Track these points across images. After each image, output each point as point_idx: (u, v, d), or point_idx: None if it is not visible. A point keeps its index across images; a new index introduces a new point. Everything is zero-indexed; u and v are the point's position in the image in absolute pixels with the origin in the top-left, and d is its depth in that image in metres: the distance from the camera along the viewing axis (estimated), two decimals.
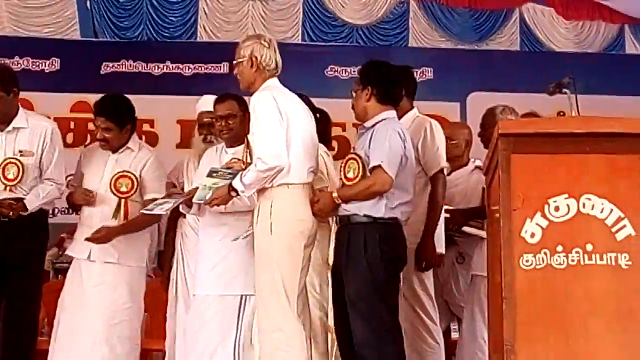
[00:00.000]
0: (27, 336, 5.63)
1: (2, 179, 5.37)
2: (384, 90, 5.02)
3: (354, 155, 4.95)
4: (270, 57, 4.99)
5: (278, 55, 5.03)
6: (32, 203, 5.35)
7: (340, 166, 4.97)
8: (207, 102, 5.77)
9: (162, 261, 6.02)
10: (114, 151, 5.60)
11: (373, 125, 4.88)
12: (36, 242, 5.65)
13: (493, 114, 5.60)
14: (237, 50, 5.00)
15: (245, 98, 5.32)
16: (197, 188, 5.09)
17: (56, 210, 6.01)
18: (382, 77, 5.07)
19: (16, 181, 5.35)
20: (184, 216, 5.54)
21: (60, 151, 5.64)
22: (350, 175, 4.94)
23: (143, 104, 6.55)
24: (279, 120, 4.83)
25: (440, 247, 5.15)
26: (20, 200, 5.30)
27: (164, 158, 6.17)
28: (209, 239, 5.35)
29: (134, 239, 5.64)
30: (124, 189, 5.57)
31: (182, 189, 5.76)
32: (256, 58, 4.93)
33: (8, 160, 5.41)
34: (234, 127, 5.45)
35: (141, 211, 5.29)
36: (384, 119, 4.91)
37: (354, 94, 4.98)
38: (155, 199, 5.44)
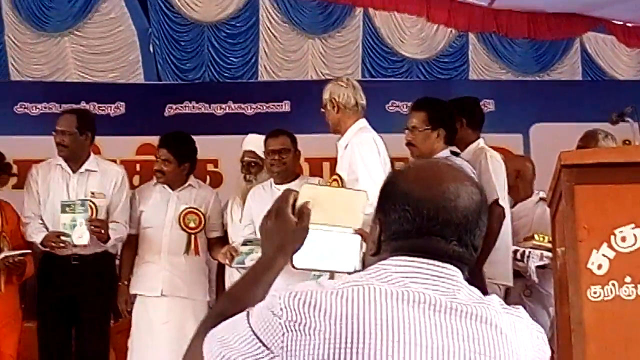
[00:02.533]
0: None
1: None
2: (453, 133, 5.08)
3: (336, 177, 5.10)
4: (348, 96, 5.11)
5: (359, 93, 5.13)
6: (111, 236, 5.49)
7: None
8: (249, 142, 5.88)
9: (217, 299, 6.04)
10: (174, 188, 5.71)
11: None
12: (105, 283, 5.76)
13: (595, 138, 5.53)
14: (327, 89, 5.16)
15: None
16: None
17: None
18: (453, 121, 5.14)
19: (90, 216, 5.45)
20: None
21: (127, 195, 5.77)
22: None
23: (206, 145, 6.65)
24: (381, 163, 4.95)
25: (508, 280, 5.13)
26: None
27: (228, 197, 6.27)
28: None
29: (200, 272, 5.75)
30: (192, 224, 5.68)
31: (226, 230, 5.84)
32: (335, 99, 5.07)
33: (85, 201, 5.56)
34: (287, 162, 5.56)
35: (233, 265, 5.40)
36: (447, 157, 4.96)
37: (414, 131, 5.03)
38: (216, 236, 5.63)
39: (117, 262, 5.84)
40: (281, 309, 1.58)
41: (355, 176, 4.99)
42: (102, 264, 5.59)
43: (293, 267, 1.87)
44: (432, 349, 1.54)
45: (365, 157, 5.00)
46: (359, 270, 1.88)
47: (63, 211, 5.38)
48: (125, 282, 5.69)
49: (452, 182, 1.68)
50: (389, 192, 1.72)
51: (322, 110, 5.26)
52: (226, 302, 1.80)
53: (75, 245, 5.38)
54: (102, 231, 5.44)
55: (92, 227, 5.36)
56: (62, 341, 5.61)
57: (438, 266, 1.65)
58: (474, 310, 1.61)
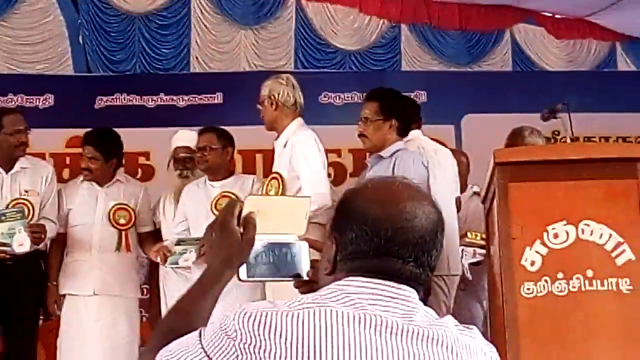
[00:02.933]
0: None
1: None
2: (407, 124, 5.09)
3: (276, 175, 5.11)
4: (288, 94, 5.12)
5: (298, 92, 5.15)
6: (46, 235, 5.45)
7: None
8: (181, 137, 5.87)
9: (151, 297, 6.00)
10: (102, 184, 5.67)
11: (392, 155, 4.94)
12: (36, 281, 5.69)
13: (522, 135, 5.59)
14: (265, 86, 5.14)
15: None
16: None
17: None
18: (405, 111, 5.14)
19: (28, 220, 5.39)
20: None
21: (56, 192, 5.73)
22: (272, 193, 5.07)
23: (138, 137, 6.61)
24: (323, 160, 4.97)
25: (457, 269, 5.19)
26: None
27: (159, 190, 6.24)
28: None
29: (131, 269, 5.73)
30: (122, 221, 5.66)
31: (159, 229, 5.83)
32: (274, 96, 5.06)
33: (16, 201, 5.46)
34: (209, 159, 5.57)
35: (167, 265, 5.38)
36: (400, 149, 4.97)
37: (366, 122, 5.04)
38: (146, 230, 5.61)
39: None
40: (235, 331, 1.57)
41: (296, 174, 5.01)
42: (32, 263, 5.52)
43: (239, 279, 1.87)
44: None
45: (308, 155, 5.03)
46: (308, 277, 1.92)
47: (1, 220, 5.30)
48: (54, 283, 5.61)
49: (409, 201, 1.68)
50: (345, 211, 1.72)
51: (259, 105, 5.24)
52: (174, 316, 1.79)
53: (14, 253, 5.29)
54: (43, 236, 5.39)
55: (32, 233, 5.30)
56: None
57: (394, 287, 1.64)
58: (430, 332, 1.60)
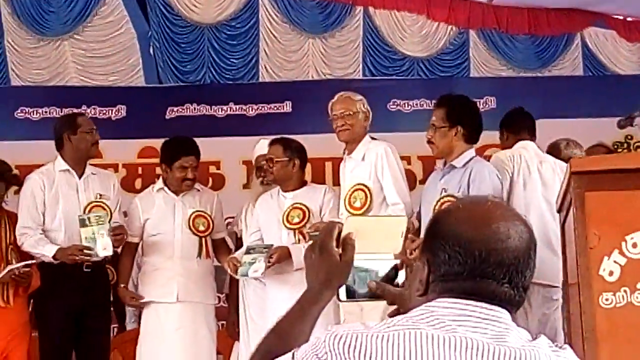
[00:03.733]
0: None
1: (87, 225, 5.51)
2: (474, 131, 5.07)
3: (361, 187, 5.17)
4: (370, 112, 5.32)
5: None
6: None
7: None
8: (263, 146, 5.91)
9: (229, 305, 6.02)
10: (177, 193, 5.75)
11: (464, 165, 4.94)
12: (108, 289, 5.79)
13: (558, 148, 5.58)
14: (347, 103, 5.19)
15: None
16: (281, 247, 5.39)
17: None
18: (472, 118, 5.12)
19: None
20: None
21: (120, 199, 5.91)
22: (357, 204, 5.14)
23: (208, 146, 6.65)
24: (403, 171, 5.16)
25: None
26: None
27: (230, 199, 6.31)
28: (276, 293, 5.42)
29: (210, 276, 5.80)
30: (201, 227, 5.74)
31: (241, 237, 5.87)
32: (369, 111, 5.18)
33: (94, 203, 5.55)
34: (274, 171, 5.61)
35: (237, 276, 5.46)
36: (473, 158, 4.95)
37: (433, 129, 5.05)
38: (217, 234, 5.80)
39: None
40: (326, 353, 1.57)
41: (379, 185, 5.10)
42: (100, 272, 5.61)
43: (339, 300, 1.89)
44: None
45: (392, 167, 5.17)
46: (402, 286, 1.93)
47: (82, 225, 5.37)
48: (123, 285, 5.71)
49: (502, 221, 1.66)
50: (437, 232, 1.70)
51: (345, 114, 5.30)
52: (273, 338, 1.80)
53: (98, 257, 5.40)
54: (125, 236, 5.54)
55: (115, 235, 5.42)
56: (65, 350, 5.59)
57: (485, 308, 1.63)
58: (523, 354, 1.58)
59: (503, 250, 1.63)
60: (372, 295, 1.93)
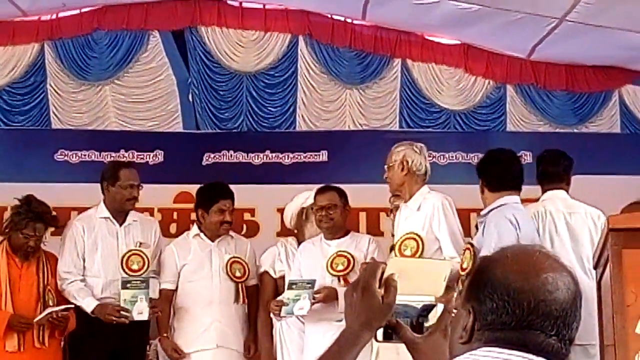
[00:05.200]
0: None
1: (126, 269, 5.59)
2: (494, 180, 5.10)
3: (414, 235, 5.19)
4: (420, 163, 5.26)
5: (427, 162, 5.30)
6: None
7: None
8: (308, 195, 5.95)
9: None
10: (213, 239, 5.78)
11: (486, 214, 4.96)
12: (144, 337, 5.81)
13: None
14: (389, 155, 5.23)
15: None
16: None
17: None
18: (489, 167, 5.16)
19: (141, 272, 5.59)
20: None
21: (160, 246, 5.93)
22: (407, 252, 5.11)
23: (244, 193, 6.70)
24: (459, 224, 5.21)
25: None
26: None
27: (264, 246, 6.32)
28: (313, 331, 5.43)
29: (244, 322, 5.84)
30: (238, 274, 5.78)
31: (283, 277, 5.87)
32: (407, 162, 5.19)
33: (132, 252, 5.62)
34: (335, 217, 5.64)
35: (282, 316, 5.48)
36: (498, 206, 4.96)
37: None
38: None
39: None
40: None
41: (433, 235, 5.12)
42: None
43: (376, 340, 1.87)
44: None
45: (449, 219, 5.20)
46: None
47: (124, 287, 5.47)
48: (166, 335, 5.71)
49: (550, 272, 1.66)
50: (484, 280, 1.69)
51: (387, 166, 5.35)
52: None
53: (132, 320, 5.46)
54: (159, 312, 5.60)
55: (152, 307, 5.51)
56: None
57: (533, 358, 1.62)
58: None
59: (551, 301, 1.63)
60: None
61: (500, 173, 5.15)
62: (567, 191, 5.50)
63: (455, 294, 1.79)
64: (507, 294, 1.64)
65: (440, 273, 1.94)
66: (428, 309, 1.91)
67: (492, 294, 1.65)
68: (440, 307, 1.91)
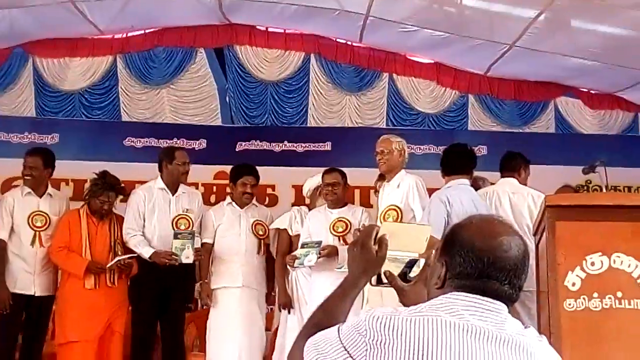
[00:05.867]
0: (183, 356, 5.79)
1: (175, 229, 5.63)
2: (444, 165, 5.11)
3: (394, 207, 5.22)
4: (408, 153, 5.41)
5: None
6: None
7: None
8: (318, 178, 5.94)
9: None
10: (242, 207, 5.77)
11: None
12: (188, 279, 5.81)
13: (477, 183, 5.66)
14: (386, 143, 5.23)
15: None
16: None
17: None
18: (445, 156, 5.17)
19: (189, 230, 5.66)
20: None
21: (202, 211, 5.96)
22: (390, 220, 5.19)
23: (266, 174, 6.71)
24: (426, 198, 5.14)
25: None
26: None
27: (282, 213, 6.29)
28: (319, 282, 5.43)
29: (263, 269, 5.82)
30: (261, 232, 5.86)
31: (298, 235, 5.84)
32: (404, 151, 5.19)
33: (181, 215, 5.62)
34: (338, 193, 5.63)
35: (295, 267, 5.51)
36: (445, 187, 4.97)
37: None
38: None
39: None
40: (365, 330, 1.58)
41: (409, 207, 5.10)
42: (187, 265, 5.65)
43: (371, 285, 1.89)
44: None
45: (422, 196, 5.18)
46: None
47: (175, 238, 5.50)
48: (207, 281, 5.70)
49: (505, 236, 1.66)
50: (454, 240, 1.70)
51: (386, 152, 5.33)
52: (321, 314, 1.80)
53: (180, 263, 5.47)
54: (202, 256, 5.59)
55: (196, 252, 5.51)
56: (151, 321, 5.65)
57: (490, 302, 1.63)
58: (517, 340, 1.59)
59: (506, 258, 1.64)
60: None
61: (450, 162, 5.13)
62: (518, 179, 5.50)
63: (433, 251, 1.77)
64: (471, 252, 1.65)
65: (422, 235, 1.94)
66: (412, 263, 1.91)
67: (460, 252, 1.66)
68: (422, 262, 1.91)
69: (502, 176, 5.55)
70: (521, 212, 5.21)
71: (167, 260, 5.41)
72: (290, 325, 5.56)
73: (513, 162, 5.61)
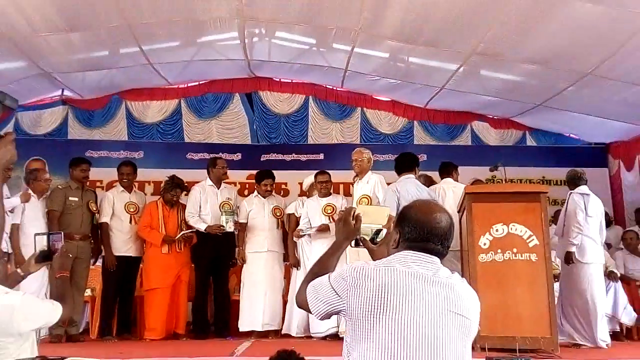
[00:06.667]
0: (228, 298, 5.72)
1: (221, 210, 5.57)
2: (396, 167, 5.05)
3: (366, 197, 5.11)
4: (372, 160, 5.32)
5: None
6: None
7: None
8: (311, 178, 5.88)
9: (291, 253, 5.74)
10: (265, 197, 5.69)
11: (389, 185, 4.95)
12: (232, 247, 5.76)
13: (431, 180, 5.63)
14: (359, 153, 5.25)
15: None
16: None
17: None
18: (396, 160, 5.12)
19: (233, 215, 5.59)
20: None
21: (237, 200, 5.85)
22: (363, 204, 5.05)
23: (282, 175, 6.70)
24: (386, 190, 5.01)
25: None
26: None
27: (291, 201, 6.23)
28: (317, 246, 5.40)
29: (281, 239, 5.72)
30: (278, 214, 5.73)
31: (300, 216, 5.75)
32: (371, 159, 5.14)
33: (225, 202, 5.63)
34: (327, 187, 5.58)
35: (300, 235, 5.49)
36: (398, 181, 4.88)
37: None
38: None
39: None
40: (347, 276, 1.58)
41: (375, 196, 5.10)
42: (227, 237, 5.63)
43: (351, 246, 1.87)
44: (423, 303, 1.53)
45: (384, 188, 5.10)
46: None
47: (222, 214, 5.48)
48: (242, 247, 5.67)
49: (438, 212, 1.65)
50: (404, 216, 1.68)
51: (359, 160, 5.27)
52: (317, 267, 1.79)
53: (225, 231, 5.47)
54: (239, 227, 5.57)
55: (235, 223, 5.50)
56: (207, 277, 5.61)
57: (428, 256, 1.62)
58: (447, 281, 1.59)
59: (438, 228, 1.63)
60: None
61: (399, 164, 5.10)
62: (452, 178, 5.46)
63: (391, 224, 1.75)
64: (416, 224, 1.64)
65: (384, 213, 1.95)
66: (378, 231, 1.91)
67: (409, 224, 1.65)
68: (384, 231, 1.91)
69: (442, 177, 5.49)
70: (458, 198, 5.19)
71: (217, 230, 5.38)
72: (298, 277, 5.54)
73: (449, 167, 5.57)
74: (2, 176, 1.61)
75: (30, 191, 5.17)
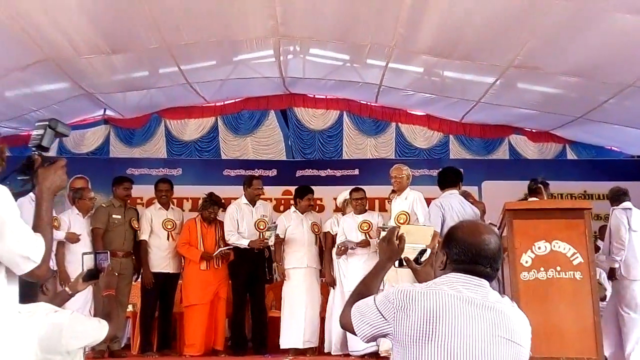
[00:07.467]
0: (265, 314, 5.74)
1: (257, 228, 5.63)
2: (439, 182, 4.91)
3: (404, 213, 5.06)
4: (411, 177, 5.25)
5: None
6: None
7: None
8: (346, 193, 5.86)
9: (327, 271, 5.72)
10: (303, 213, 5.70)
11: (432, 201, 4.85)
12: (268, 262, 5.79)
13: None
14: (398, 170, 5.22)
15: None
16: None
17: None
18: (439, 175, 5.00)
19: (274, 230, 5.58)
20: None
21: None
22: (401, 221, 5.03)
23: (318, 191, 6.67)
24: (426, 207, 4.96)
25: None
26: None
27: (327, 217, 6.22)
28: (354, 264, 5.36)
29: (318, 254, 5.67)
30: (316, 230, 5.73)
31: (334, 235, 5.74)
32: (410, 176, 5.08)
33: (260, 219, 5.66)
34: (362, 204, 5.55)
35: (339, 256, 5.41)
36: (441, 197, 4.77)
37: None
38: None
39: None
40: (394, 298, 1.57)
41: (414, 212, 5.03)
42: (261, 253, 5.67)
43: (395, 267, 1.86)
44: (473, 329, 1.50)
45: (423, 205, 5.06)
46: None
47: (265, 230, 5.53)
48: (280, 263, 5.67)
49: (486, 234, 1.63)
50: (452, 237, 1.66)
51: (399, 176, 5.22)
52: (362, 287, 1.77)
53: (268, 245, 5.53)
54: (277, 241, 5.57)
55: (276, 239, 5.53)
56: (244, 292, 5.63)
57: (477, 279, 1.59)
58: (497, 306, 1.56)
59: (487, 250, 1.61)
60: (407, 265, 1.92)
61: (442, 179, 4.96)
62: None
63: (436, 243, 1.74)
64: (464, 245, 1.61)
65: (428, 232, 1.92)
66: (422, 251, 1.89)
67: (456, 245, 1.63)
68: (429, 251, 1.89)
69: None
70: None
71: (261, 245, 5.45)
72: (335, 295, 5.52)
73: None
74: (52, 200, 1.67)
75: (76, 210, 5.33)
